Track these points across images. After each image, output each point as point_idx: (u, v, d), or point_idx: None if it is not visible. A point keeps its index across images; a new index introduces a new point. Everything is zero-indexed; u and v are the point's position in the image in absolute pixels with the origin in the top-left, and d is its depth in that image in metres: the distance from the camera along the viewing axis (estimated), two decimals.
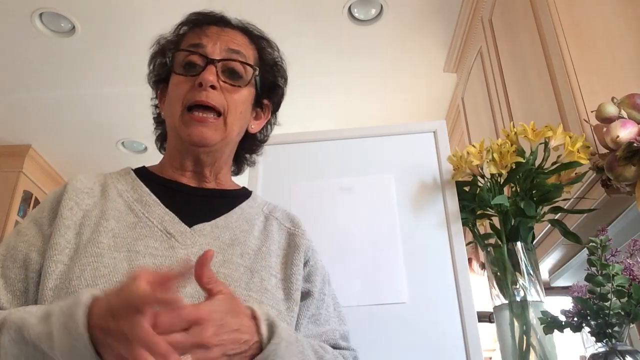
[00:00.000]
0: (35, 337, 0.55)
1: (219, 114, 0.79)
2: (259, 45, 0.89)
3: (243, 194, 0.89)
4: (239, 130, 0.85)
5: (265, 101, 0.91)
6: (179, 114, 0.79)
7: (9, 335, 0.56)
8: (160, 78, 0.88)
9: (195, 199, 0.82)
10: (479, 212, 1.22)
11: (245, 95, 0.83)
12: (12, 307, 0.66)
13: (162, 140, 0.92)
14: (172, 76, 0.83)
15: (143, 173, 0.85)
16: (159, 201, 0.78)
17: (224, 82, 0.80)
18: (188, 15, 0.88)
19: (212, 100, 0.78)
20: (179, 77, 0.81)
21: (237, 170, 0.96)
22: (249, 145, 0.93)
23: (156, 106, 0.91)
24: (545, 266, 1.72)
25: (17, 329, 0.56)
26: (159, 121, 0.92)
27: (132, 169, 0.85)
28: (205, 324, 0.52)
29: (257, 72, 0.85)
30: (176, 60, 0.83)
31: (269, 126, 0.95)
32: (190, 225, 0.76)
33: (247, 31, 0.89)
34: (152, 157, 0.92)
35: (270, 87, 0.90)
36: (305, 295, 0.81)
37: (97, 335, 0.50)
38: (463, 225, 1.17)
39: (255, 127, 0.90)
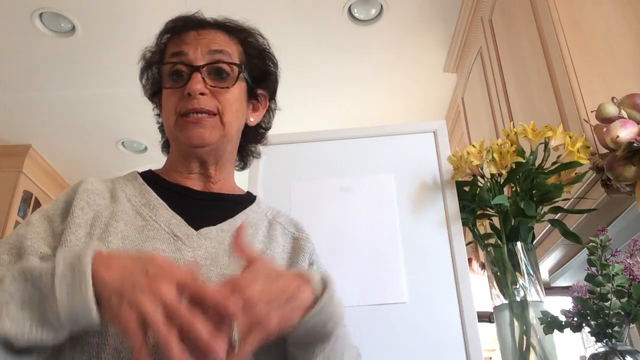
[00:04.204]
0: (37, 274, 0.56)
1: (213, 113, 0.80)
2: (241, 38, 0.89)
3: (247, 199, 0.89)
4: (238, 127, 0.86)
5: (260, 91, 0.91)
6: (174, 121, 0.81)
7: (11, 274, 0.57)
8: (154, 90, 0.90)
9: (200, 203, 0.83)
10: (479, 212, 1.22)
11: (236, 93, 0.84)
12: None
13: (167, 146, 0.93)
14: (163, 89, 0.85)
15: (150, 177, 0.85)
16: (166, 205, 0.79)
17: (212, 86, 0.81)
18: (166, 23, 0.88)
19: (205, 105, 0.79)
20: (168, 91, 0.83)
21: (243, 165, 0.96)
22: (253, 136, 0.94)
23: (159, 115, 0.92)
24: (545, 266, 1.72)
25: (20, 268, 0.58)
26: (163, 130, 0.93)
27: (138, 173, 0.86)
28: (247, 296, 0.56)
29: (243, 69, 0.85)
30: (163, 74, 0.84)
31: (269, 113, 0.95)
32: (196, 228, 0.77)
33: (225, 27, 0.88)
34: (152, 157, 0.93)
35: (262, 76, 0.91)
36: None
37: (101, 291, 0.53)
38: (463, 225, 1.17)
39: (254, 119, 0.91)
